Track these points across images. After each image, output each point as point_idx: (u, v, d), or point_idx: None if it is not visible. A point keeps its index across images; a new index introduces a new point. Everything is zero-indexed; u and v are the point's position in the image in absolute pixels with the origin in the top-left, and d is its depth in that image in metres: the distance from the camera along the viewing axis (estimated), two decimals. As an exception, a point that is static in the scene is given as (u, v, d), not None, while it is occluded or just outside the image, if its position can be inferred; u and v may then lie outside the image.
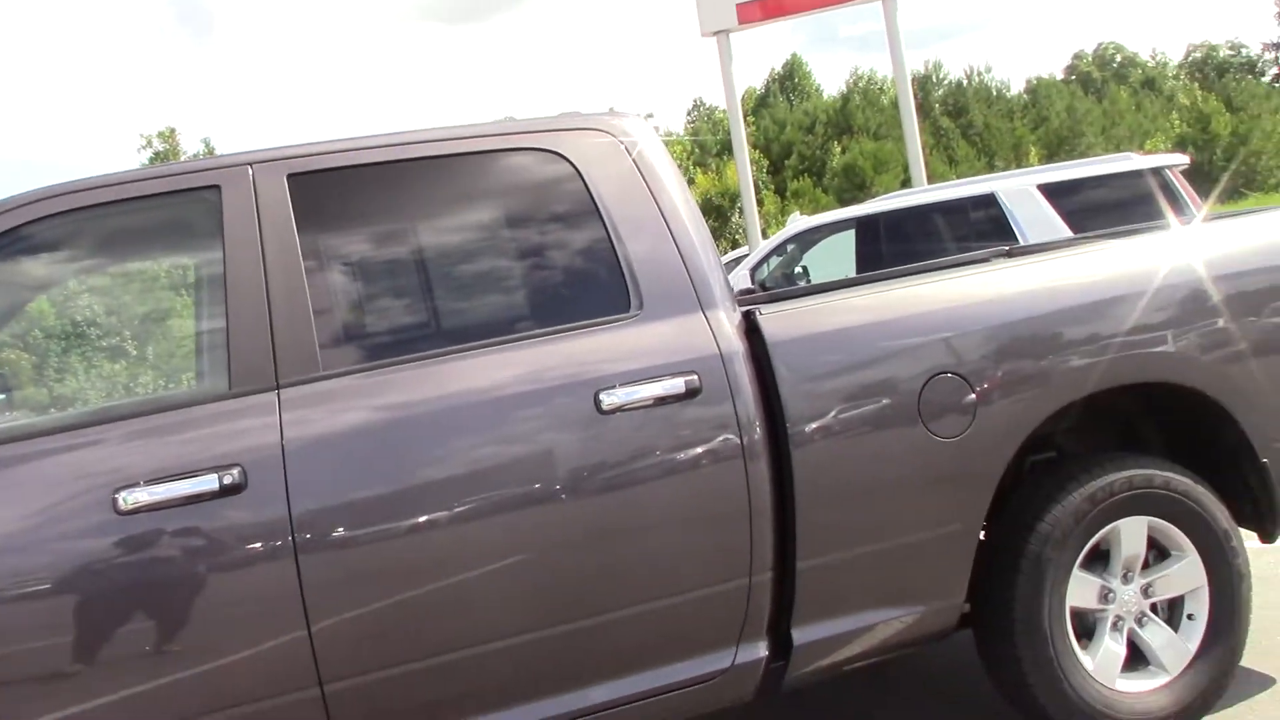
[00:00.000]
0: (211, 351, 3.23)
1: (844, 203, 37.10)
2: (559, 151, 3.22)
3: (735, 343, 3.08)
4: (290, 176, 3.01)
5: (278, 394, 2.81)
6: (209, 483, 2.68)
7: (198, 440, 2.75)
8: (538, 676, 2.92)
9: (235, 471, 2.70)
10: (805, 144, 62.72)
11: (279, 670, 2.71)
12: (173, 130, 52.02)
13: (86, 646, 2.63)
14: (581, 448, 2.93)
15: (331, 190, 3.09)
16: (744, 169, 18.92)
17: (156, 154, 51.09)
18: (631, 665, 2.99)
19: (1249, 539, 3.57)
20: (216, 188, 2.96)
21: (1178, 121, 65.39)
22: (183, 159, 48.87)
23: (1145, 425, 3.75)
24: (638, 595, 2.95)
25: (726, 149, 49.29)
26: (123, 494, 2.63)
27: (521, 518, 2.87)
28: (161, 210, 3.09)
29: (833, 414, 3.10)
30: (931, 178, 24.37)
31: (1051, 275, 3.44)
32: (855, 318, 3.24)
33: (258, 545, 2.70)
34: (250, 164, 3.01)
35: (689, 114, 72.90)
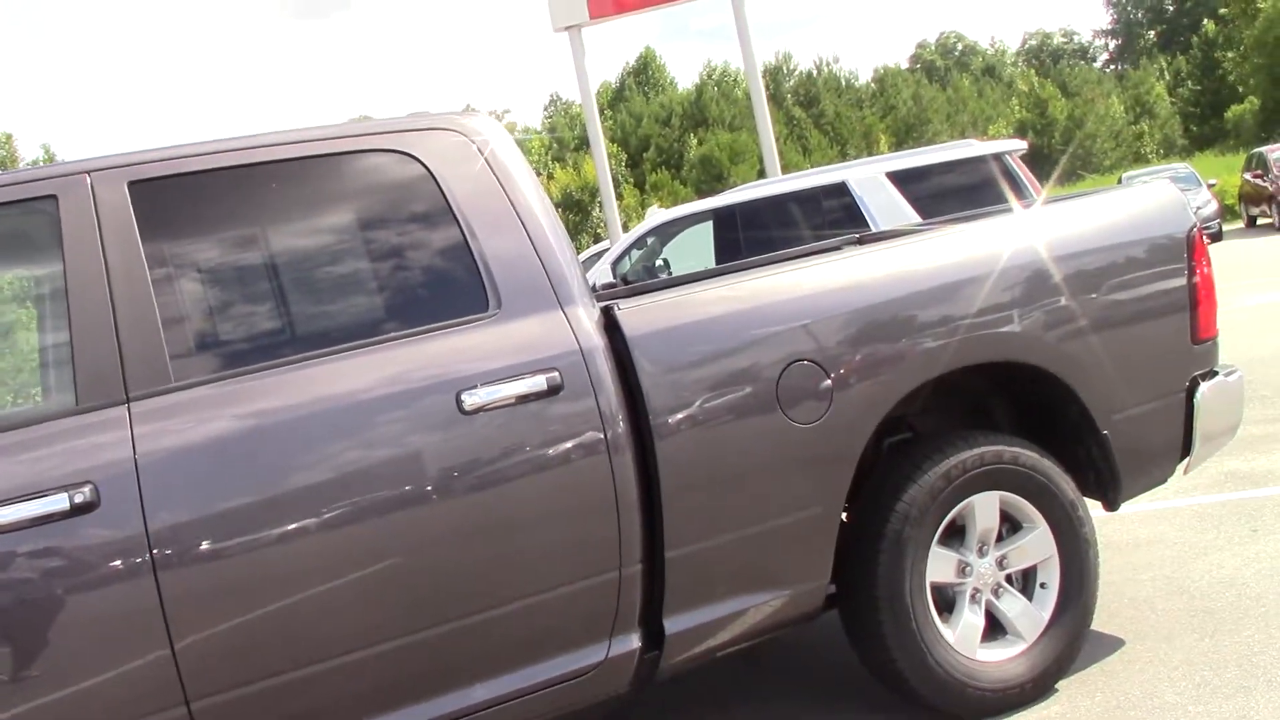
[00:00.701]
0: (56, 366, 3.13)
1: (702, 194, 37.49)
2: (410, 152, 3.20)
3: (595, 338, 3.10)
4: (132, 184, 2.92)
5: (128, 407, 2.73)
6: (59, 502, 2.59)
7: (45, 458, 2.65)
8: (416, 679, 2.90)
9: (87, 489, 2.61)
10: (662, 137, 63.14)
11: (143, 690, 2.64)
12: (9, 136, 49.79)
13: None
14: (446, 448, 2.92)
15: (177, 197, 3.01)
16: (601, 163, 18.95)
17: (-10, 159, 48.90)
18: (508, 663, 2.99)
19: (1094, 508, 3.73)
20: (53, 197, 2.86)
21: (1017, 107, 67.67)
22: (20, 166, 46.92)
23: (995, 403, 3.89)
24: (509, 593, 2.95)
25: (584, 144, 49.37)
26: None
27: (388, 522, 2.84)
28: None
29: (695, 405, 3.14)
30: (786, 168, 24.80)
31: (901, 261, 3.54)
32: (713, 309, 3.28)
33: (114, 563, 2.62)
34: (89, 172, 2.91)
35: (546, 109, 72.79)
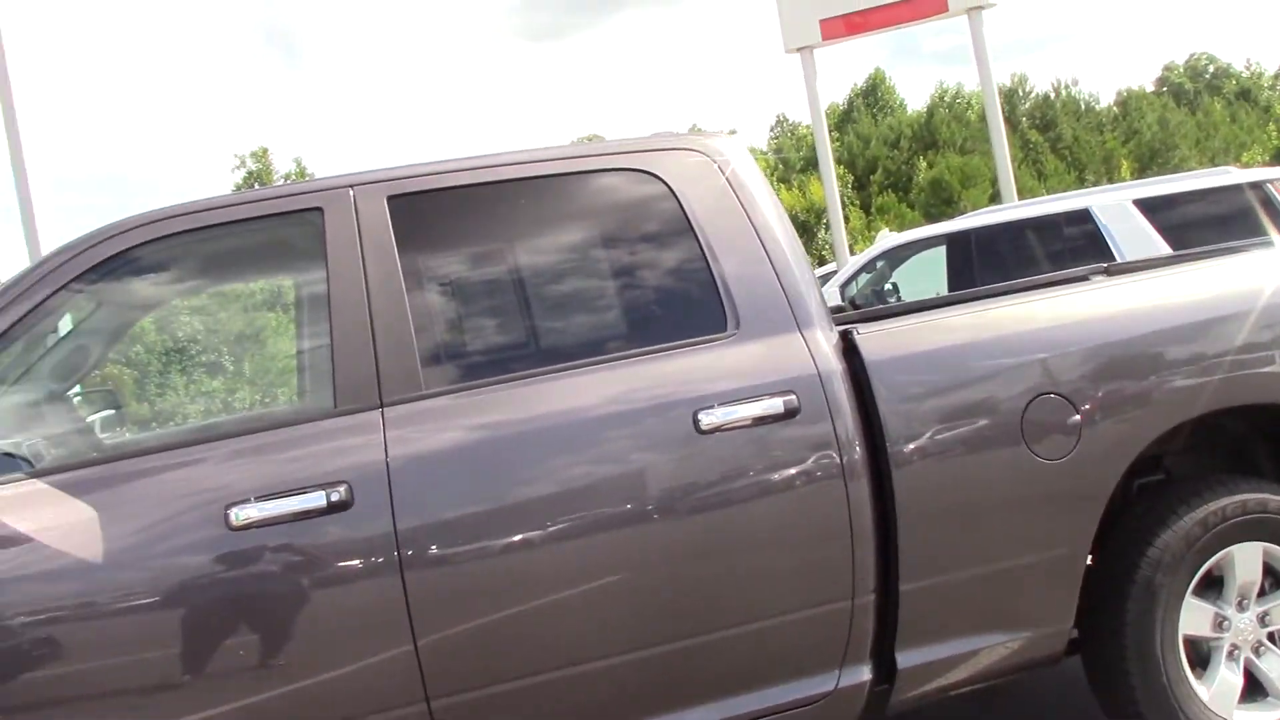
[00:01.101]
0: (316, 370, 3.29)
1: (931, 218, 36.72)
2: (653, 172, 3.23)
3: (833, 362, 3.06)
4: (390, 198, 3.05)
5: (382, 412, 2.84)
6: (317, 499, 2.72)
7: (305, 457, 2.79)
8: (639, 697, 2.92)
9: (342, 489, 2.73)
10: (890, 159, 62.19)
11: (386, 685, 2.74)
12: (265, 150, 53.05)
13: (198, 659, 2.68)
14: (680, 467, 2.92)
15: (430, 211, 3.13)
16: (830, 185, 18.81)
17: (250, 173, 52.21)
18: (734, 687, 2.97)
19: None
20: (319, 210, 3.01)
21: (1275, 133, 63.74)
22: (275, 178, 49.98)
23: (1257, 448, 3.64)
24: (739, 617, 2.93)
25: (810, 165, 49.10)
26: (234, 510, 2.67)
27: (621, 537, 2.87)
28: (265, 232, 3.16)
29: (934, 434, 3.06)
30: (1021, 193, 24.03)
31: (1155, 293, 3.36)
32: (954, 337, 3.19)
33: (364, 560, 2.73)
34: (351, 186, 3.06)
35: (772, 130, 72.66)
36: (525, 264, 3.29)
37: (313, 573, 2.73)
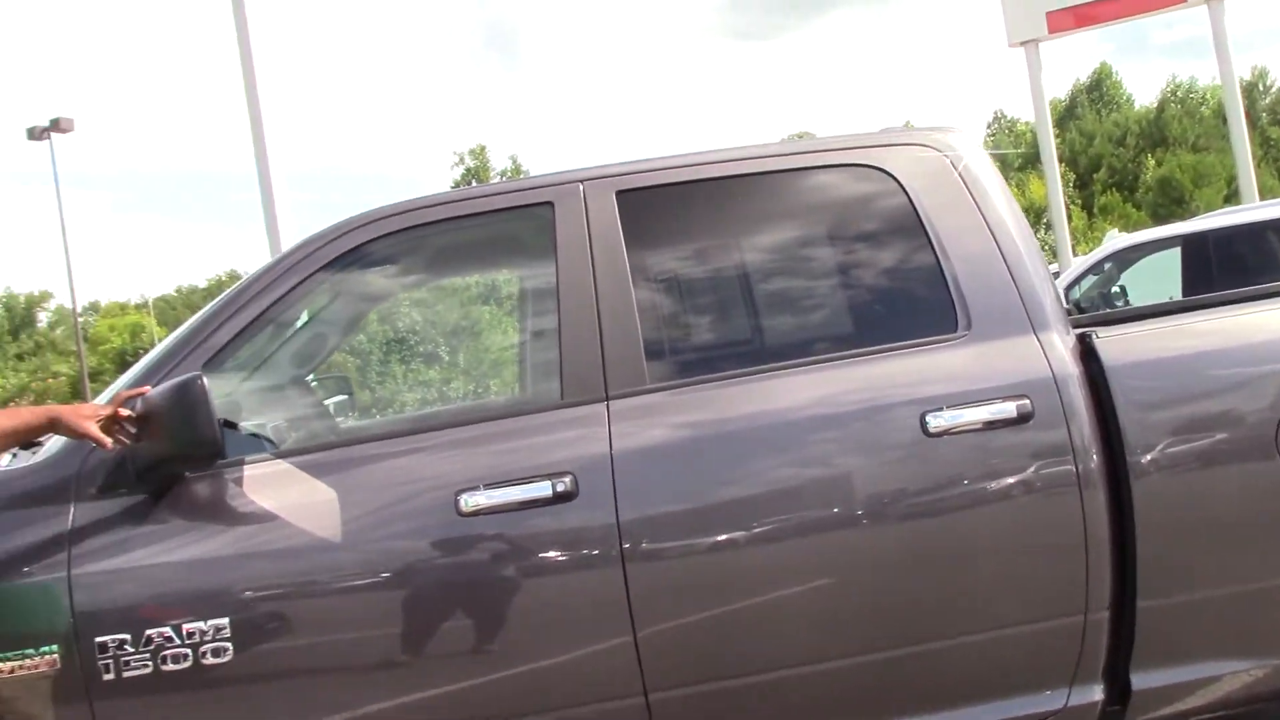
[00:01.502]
0: (540, 362, 3.35)
1: (1158, 219, 35.00)
2: (882, 167, 3.16)
3: (1070, 366, 2.93)
4: (619, 193, 3.08)
5: (607, 405, 2.87)
6: (543, 489, 2.76)
7: (532, 447, 2.84)
8: (857, 702, 2.87)
9: (568, 479, 2.77)
10: (1115, 157, 59.62)
11: (605, 676, 2.77)
12: (483, 148, 54.79)
13: (423, 639, 2.77)
14: (906, 470, 2.86)
15: (657, 206, 3.14)
16: (1054, 183, 18.15)
17: (468, 170, 53.96)
18: (958, 699, 2.88)
19: None
20: (549, 204, 3.06)
21: None
22: (491, 176, 51.45)
23: None
24: (964, 627, 2.84)
25: (1029, 163, 47.49)
26: (464, 496, 2.74)
27: (843, 539, 2.82)
28: (496, 226, 3.24)
29: (1177, 444, 2.90)
30: (1262, 192, 22.67)
31: None
32: (1202, 342, 3.03)
33: (587, 551, 2.76)
34: (581, 181, 3.09)
35: (989, 127, 70.67)
36: (750, 260, 3.28)
37: (536, 560, 2.78)
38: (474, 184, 51.54)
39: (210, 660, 2.63)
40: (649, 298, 3.08)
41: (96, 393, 37.62)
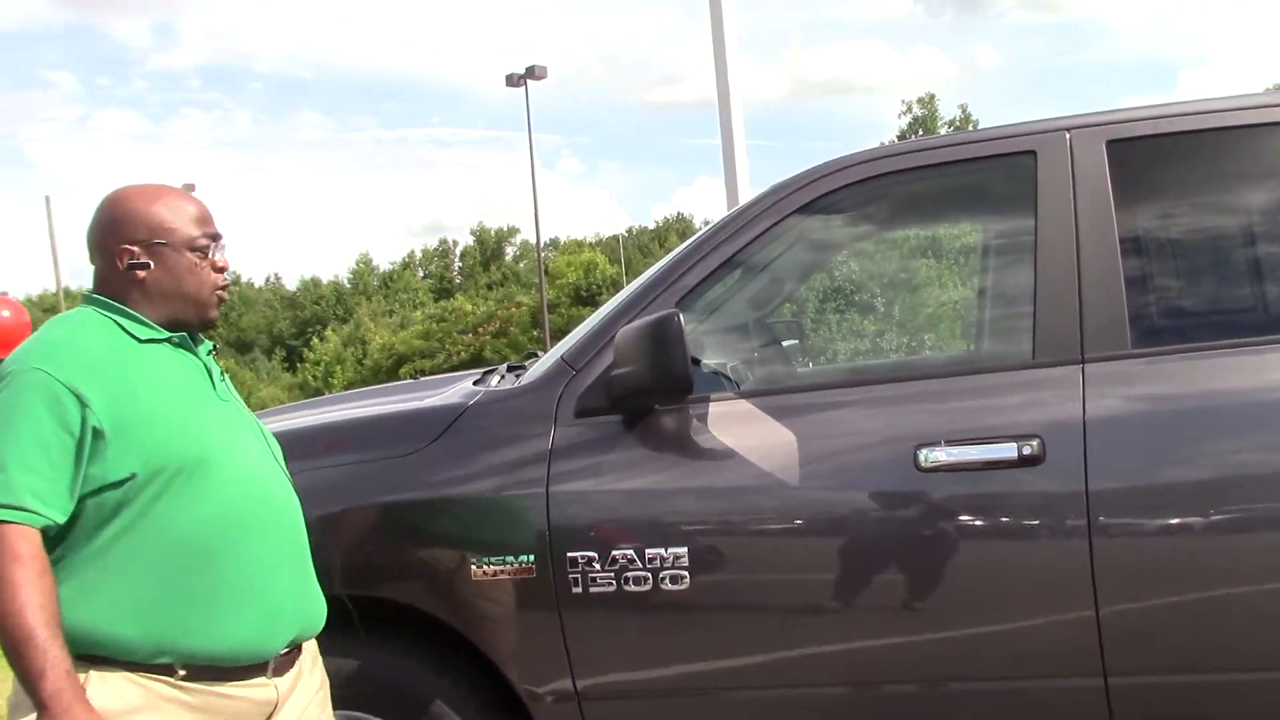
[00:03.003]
0: (1008, 319, 3.22)
1: None
2: None
3: None
4: (1110, 143, 2.87)
5: (1082, 368, 2.71)
6: (1007, 451, 2.65)
7: (998, 407, 2.74)
8: None
9: (1034, 443, 2.64)
10: None
11: (1061, 651, 2.64)
12: (931, 96, 53.48)
13: (867, 590, 2.75)
14: None
15: (1152, 158, 2.91)
16: None
17: (914, 119, 53.01)
18: None
19: None
20: (1032, 153, 2.91)
21: None
22: (939, 126, 50.28)
23: None
24: None
25: None
26: (924, 451, 2.69)
27: None
28: (969, 175, 3.12)
29: None
30: None
31: None
32: None
33: (1051, 519, 2.64)
34: (1068, 130, 2.91)
35: None
36: (1257, 223, 2.96)
37: (995, 523, 2.68)
38: (920, 134, 50.63)
39: (668, 586, 2.74)
40: (1136, 257, 2.86)
41: (554, 323, 40.58)
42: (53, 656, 1.88)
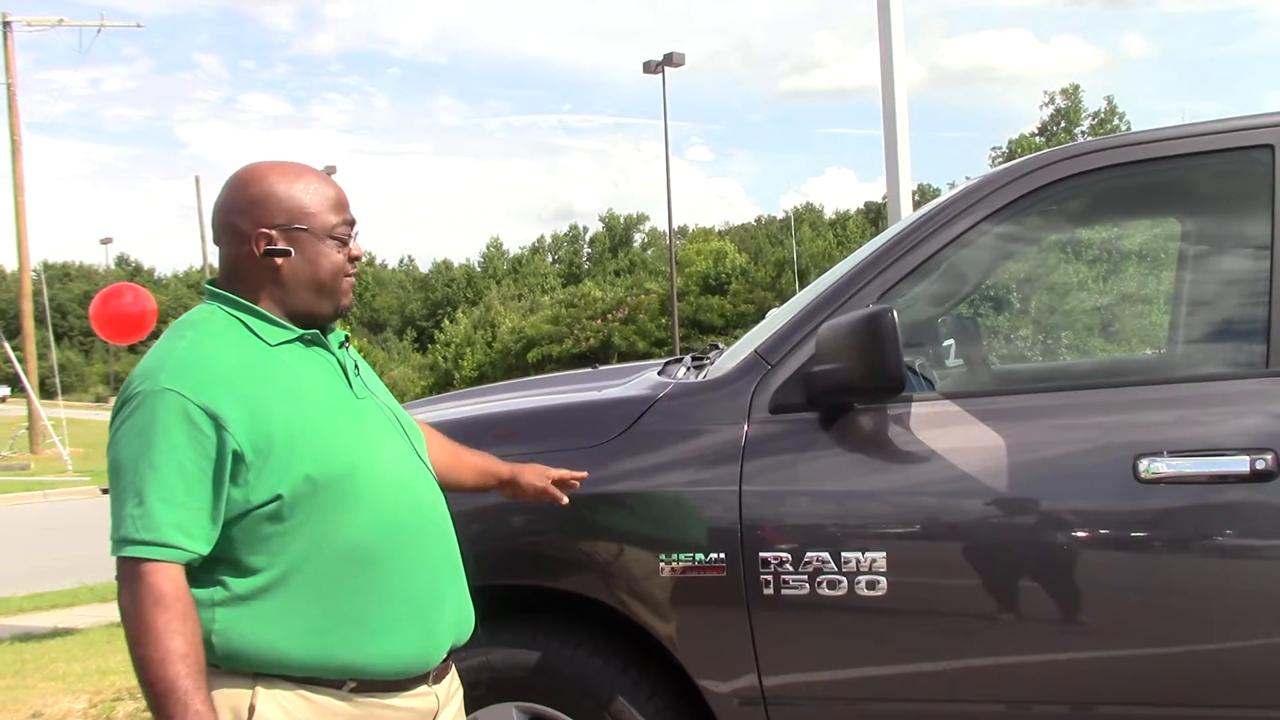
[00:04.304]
0: (1233, 323, 3.03)
1: None
2: None
3: None
4: None
5: None
6: (1239, 464, 2.50)
7: (1227, 417, 2.58)
8: None
9: (1269, 456, 2.48)
10: None
11: None
12: (1076, 87, 51.95)
13: (1076, 604, 2.61)
14: None
15: None
16: None
17: (1057, 110, 51.64)
18: None
19: None
20: (1269, 147, 2.73)
21: None
22: (1083, 117, 48.92)
23: None
24: None
25: None
26: (1145, 461, 2.54)
27: None
28: (1192, 170, 2.96)
29: None
30: None
31: None
32: None
33: None
34: None
35: None
36: None
37: (1223, 540, 2.53)
38: (1063, 126, 49.23)
39: (864, 592, 2.64)
40: None
41: (683, 311, 40.52)
42: (194, 710, 1.76)
